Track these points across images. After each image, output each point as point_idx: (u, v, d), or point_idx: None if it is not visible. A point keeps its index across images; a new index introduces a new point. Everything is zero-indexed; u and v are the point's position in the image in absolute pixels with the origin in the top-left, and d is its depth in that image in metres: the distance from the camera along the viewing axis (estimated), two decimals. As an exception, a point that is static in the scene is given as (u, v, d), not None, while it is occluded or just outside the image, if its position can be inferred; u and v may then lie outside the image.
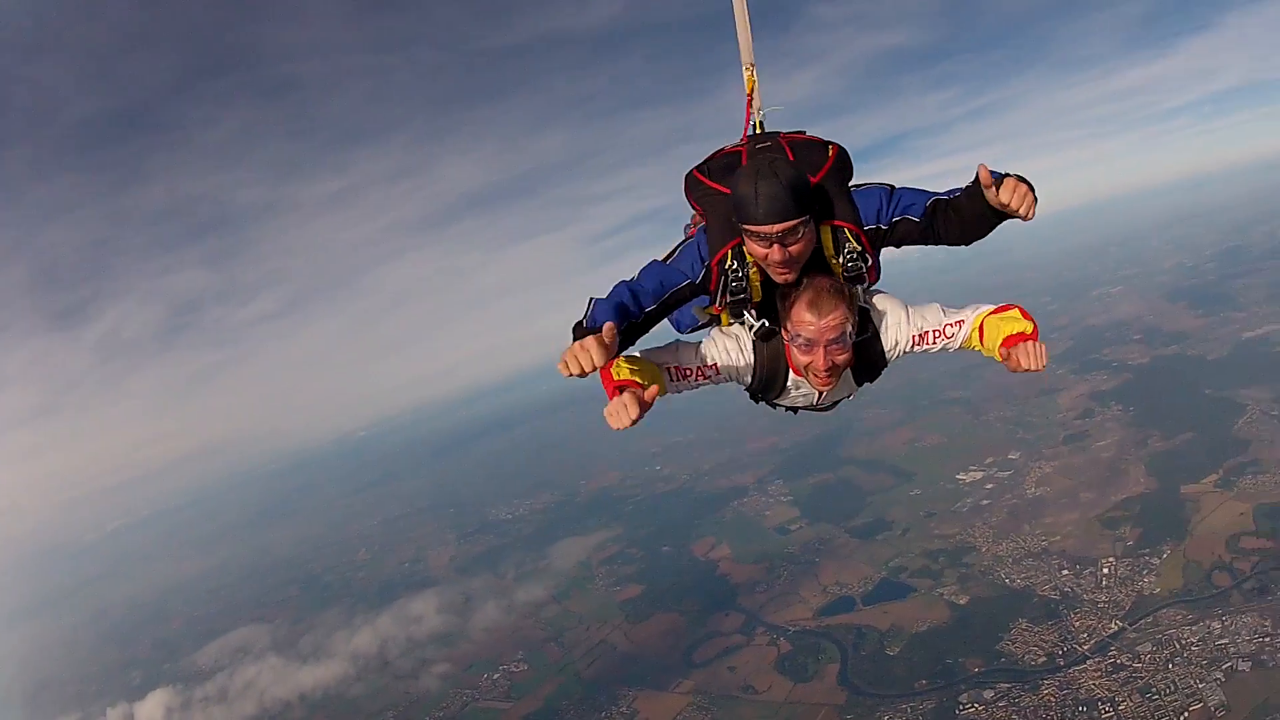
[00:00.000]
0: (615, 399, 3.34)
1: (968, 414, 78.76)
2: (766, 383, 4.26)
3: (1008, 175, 3.42)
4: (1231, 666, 38.01)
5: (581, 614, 53.64)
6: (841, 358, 3.86)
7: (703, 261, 3.91)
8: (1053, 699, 38.27)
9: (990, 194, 3.42)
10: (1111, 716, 36.88)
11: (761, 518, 64.80)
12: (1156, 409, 67.06)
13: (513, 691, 47.78)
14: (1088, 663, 40.06)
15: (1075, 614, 43.88)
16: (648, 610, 52.71)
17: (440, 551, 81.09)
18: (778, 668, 44.08)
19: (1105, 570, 47.39)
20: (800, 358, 3.90)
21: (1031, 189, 3.42)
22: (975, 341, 4.02)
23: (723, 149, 4.22)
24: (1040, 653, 41.44)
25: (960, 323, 4.06)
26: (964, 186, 3.72)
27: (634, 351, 3.97)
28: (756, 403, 4.70)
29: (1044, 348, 3.63)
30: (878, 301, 4.18)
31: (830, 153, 3.98)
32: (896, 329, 4.14)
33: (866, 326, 4.08)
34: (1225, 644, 39.54)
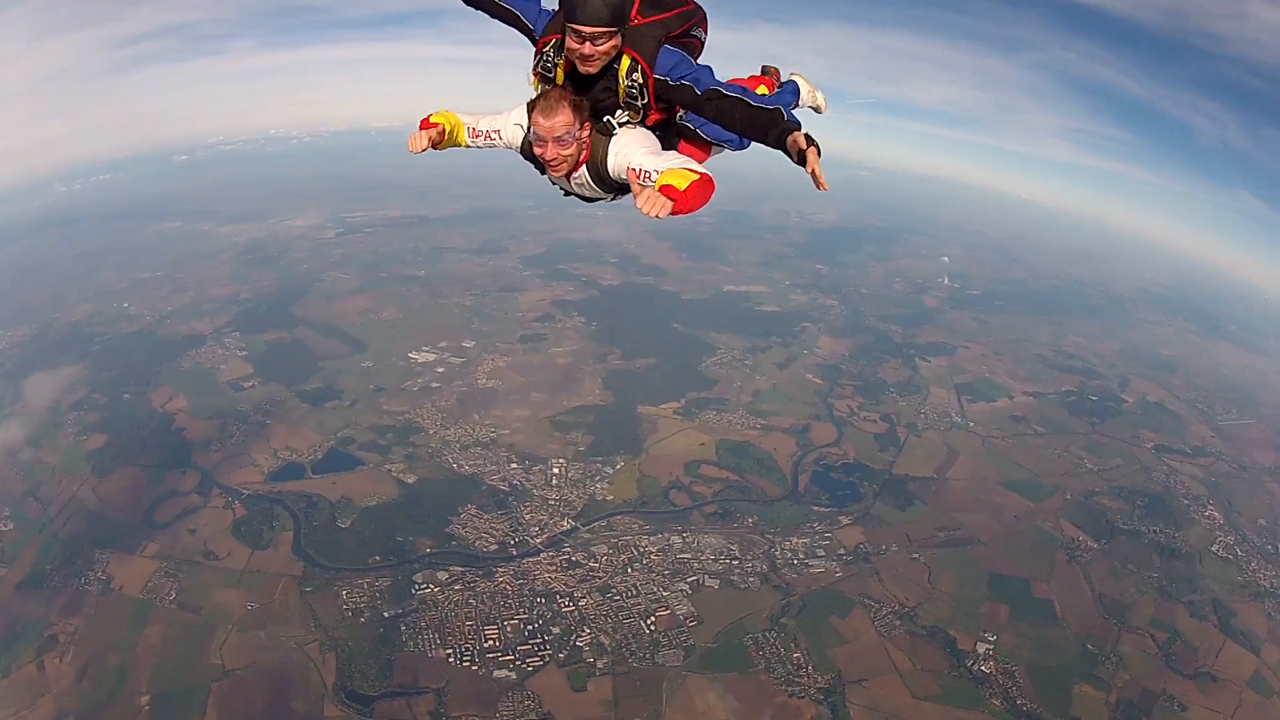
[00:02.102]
0: (417, 131, 5.34)
1: (426, 294, 79.04)
2: (530, 159, 5.49)
3: (812, 147, 4.54)
4: (698, 581, 40.52)
5: (54, 465, 49.54)
6: (566, 151, 5.10)
7: (537, 28, 5.40)
8: (509, 587, 39.37)
9: (796, 157, 4.60)
10: (573, 610, 38.22)
11: (217, 371, 61.72)
12: (620, 330, 71.17)
13: (4, 554, 42.82)
14: (541, 555, 41.72)
15: (526, 507, 45.37)
16: (111, 463, 49.86)
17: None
18: (234, 532, 43.40)
19: (556, 470, 48.84)
20: (536, 148, 5.15)
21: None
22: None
23: None
24: (492, 540, 42.64)
25: (649, 175, 4.78)
26: (755, 101, 4.87)
27: (453, 111, 5.63)
28: (543, 174, 5.67)
29: (668, 204, 4.28)
30: (626, 134, 5.19)
31: (679, 9, 5.31)
32: (616, 157, 5.14)
33: (601, 146, 5.21)
34: (688, 559, 42.07)
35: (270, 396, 57.62)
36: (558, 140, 5.05)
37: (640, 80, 5.00)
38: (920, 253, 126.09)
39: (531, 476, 48.25)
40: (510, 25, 5.62)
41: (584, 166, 5.33)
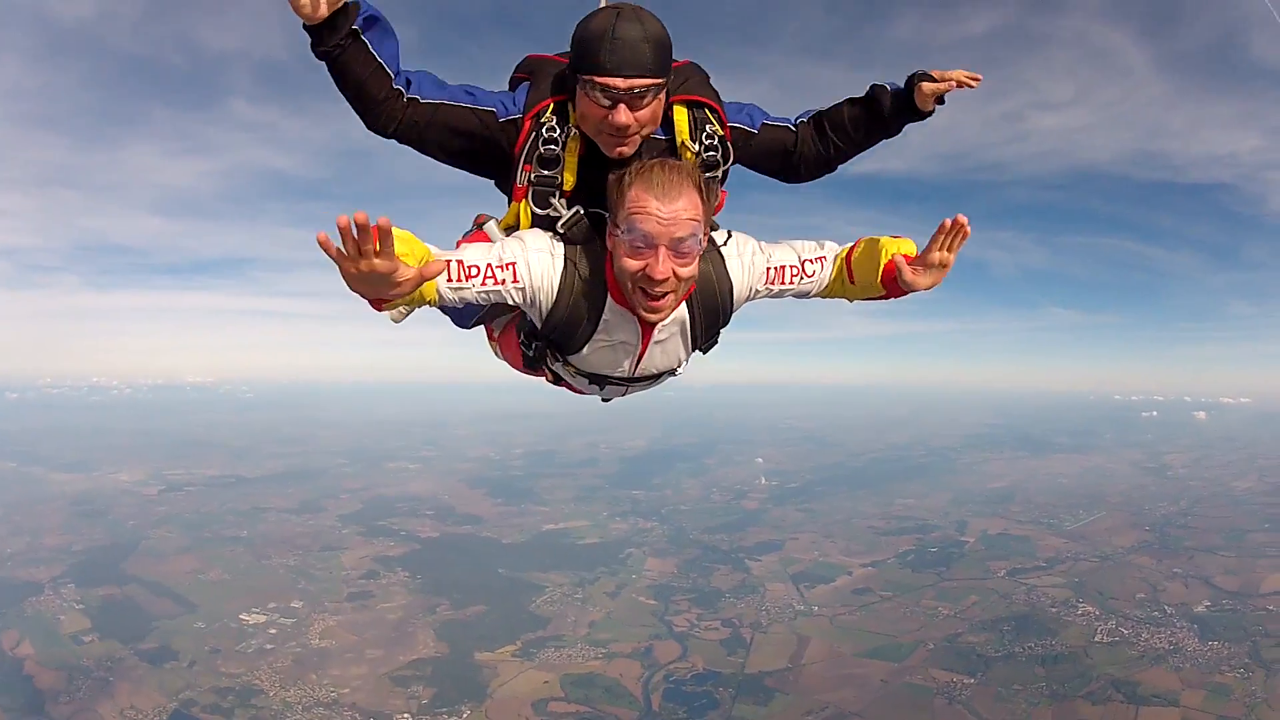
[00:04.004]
0: (357, 212, 2.27)
1: (250, 554, 77.96)
2: (571, 315, 3.20)
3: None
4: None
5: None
6: (686, 270, 2.98)
7: (506, 110, 3.18)
8: None
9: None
10: None
11: (57, 622, 59.17)
12: (446, 580, 70.53)
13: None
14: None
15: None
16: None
17: None
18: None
19: (402, 726, 48.67)
20: (629, 263, 2.93)
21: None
22: (841, 282, 3.52)
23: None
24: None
25: (821, 260, 3.47)
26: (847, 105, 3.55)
27: (405, 229, 2.73)
28: (541, 366, 3.65)
29: (940, 271, 3.18)
30: (736, 236, 3.42)
31: None
32: (751, 258, 3.39)
33: (710, 253, 3.27)
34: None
35: (110, 653, 55.27)
36: (678, 247, 2.92)
37: (721, 131, 3.32)
38: (734, 460, 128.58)
39: (379, 735, 48.14)
40: (453, 140, 3.19)
41: (683, 303, 3.31)
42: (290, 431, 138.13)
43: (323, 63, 2.84)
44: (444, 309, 3.38)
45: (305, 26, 2.68)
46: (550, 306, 3.21)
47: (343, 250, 2.34)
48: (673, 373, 3.75)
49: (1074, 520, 75.01)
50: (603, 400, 4.03)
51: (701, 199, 2.99)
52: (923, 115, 3.50)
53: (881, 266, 3.35)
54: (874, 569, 69.83)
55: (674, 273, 2.97)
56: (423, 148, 3.21)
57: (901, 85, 3.48)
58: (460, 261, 3.02)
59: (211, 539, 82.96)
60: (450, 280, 3.01)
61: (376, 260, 2.37)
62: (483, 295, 3.10)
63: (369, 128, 3.09)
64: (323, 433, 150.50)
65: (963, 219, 3.07)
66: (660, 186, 2.91)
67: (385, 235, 2.32)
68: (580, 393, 3.93)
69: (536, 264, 3.14)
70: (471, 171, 3.47)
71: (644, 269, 2.95)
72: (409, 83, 3.06)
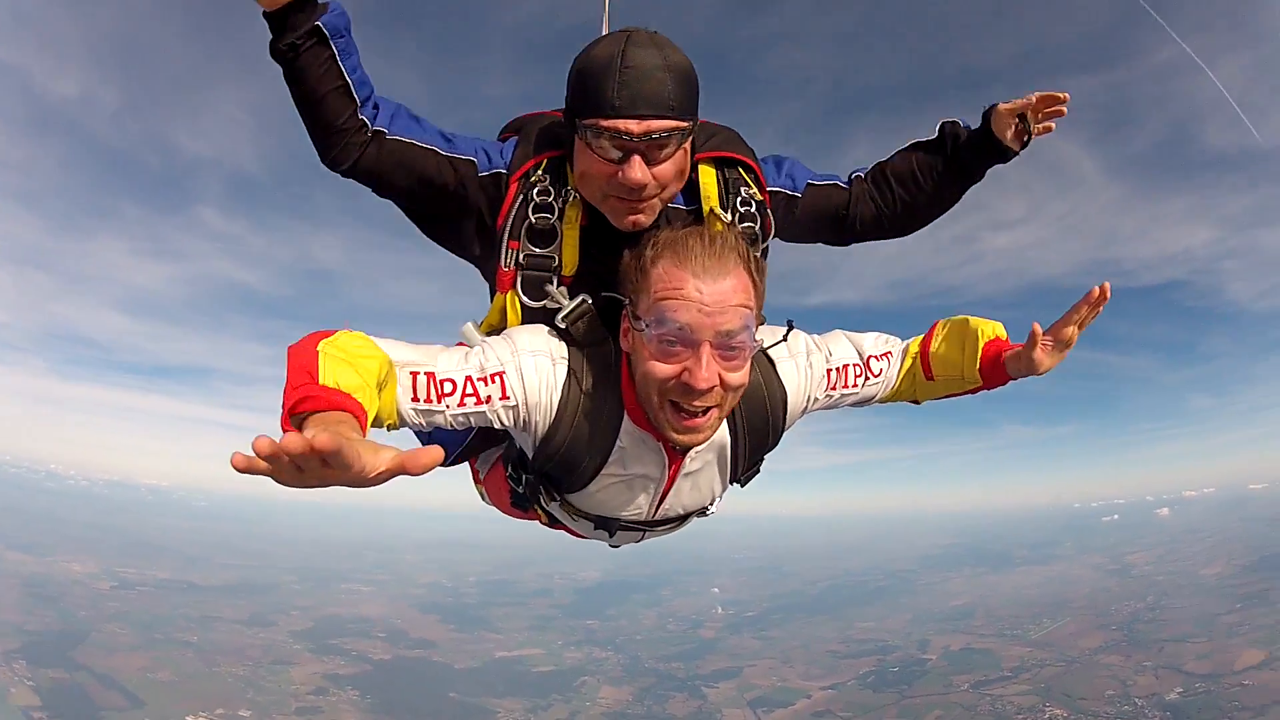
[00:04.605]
0: (289, 436, 1.34)
1: (200, 660, 77.12)
2: (574, 441, 2.46)
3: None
4: None
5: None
6: (736, 377, 2.24)
7: (490, 162, 2.56)
8: None
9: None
10: None
11: (8, 693, 59.30)
12: (398, 703, 70.70)
13: None
14: None
15: None
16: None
17: None
18: None
19: None
20: (658, 368, 2.20)
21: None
22: (913, 380, 2.90)
23: None
24: None
25: (888, 355, 2.86)
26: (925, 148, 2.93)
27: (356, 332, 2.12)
28: (534, 504, 2.95)
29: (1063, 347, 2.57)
30: (794, 335, 2.70)
31: None
32: (808, 358, 2.71)
33: (759, 360, 2.58)
34: None
35: (59, 736, 54.86)
36: (727, 344, 2.19)
37: (759, 196, 2.67)
38: (690, 590, 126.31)
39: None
40: (421, 191, 2.58)
41: (725, 422, 2.55)
42: (242, 544, 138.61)
43: (280, 66, 2.31)
44: (416, 432, 2.58)
45: (264, 15, 2.24)
46: (547, 430, 2.42)
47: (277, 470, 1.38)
48: (703, 512, 2.96)
49: (1038, 629, 73.24)
50: (611, 546, 3.26)
51: (752, 279, 2.24)
52: (1003, 149, 2.80)
53: (980, 352, 2.71)
54: (834, 691, 68.31)
55: (721, 380, 2.18)
56: (384, 192, 2.59)
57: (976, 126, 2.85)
58: (430, 374, 2.26)
59: (162, 640, 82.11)
60: (417, 399, 2.25)
61: (328, 473, 1.43)
62: (459, 419, 2.34)
63: (324, 159, 2.46)
64: (274, 549, 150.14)
65: (1108, 286, 2.41)
66: (700, 262, 2.15)
67: (335, 454, 1.35)
68: (582, 537, 3.11)
69: (531, 372, 2.36)
70: (446, 243, 2.82)
71: (679, 376, 2.16)
72: (377, 111, 2.47)
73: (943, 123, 2.91)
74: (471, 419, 2.39)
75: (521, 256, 2.51)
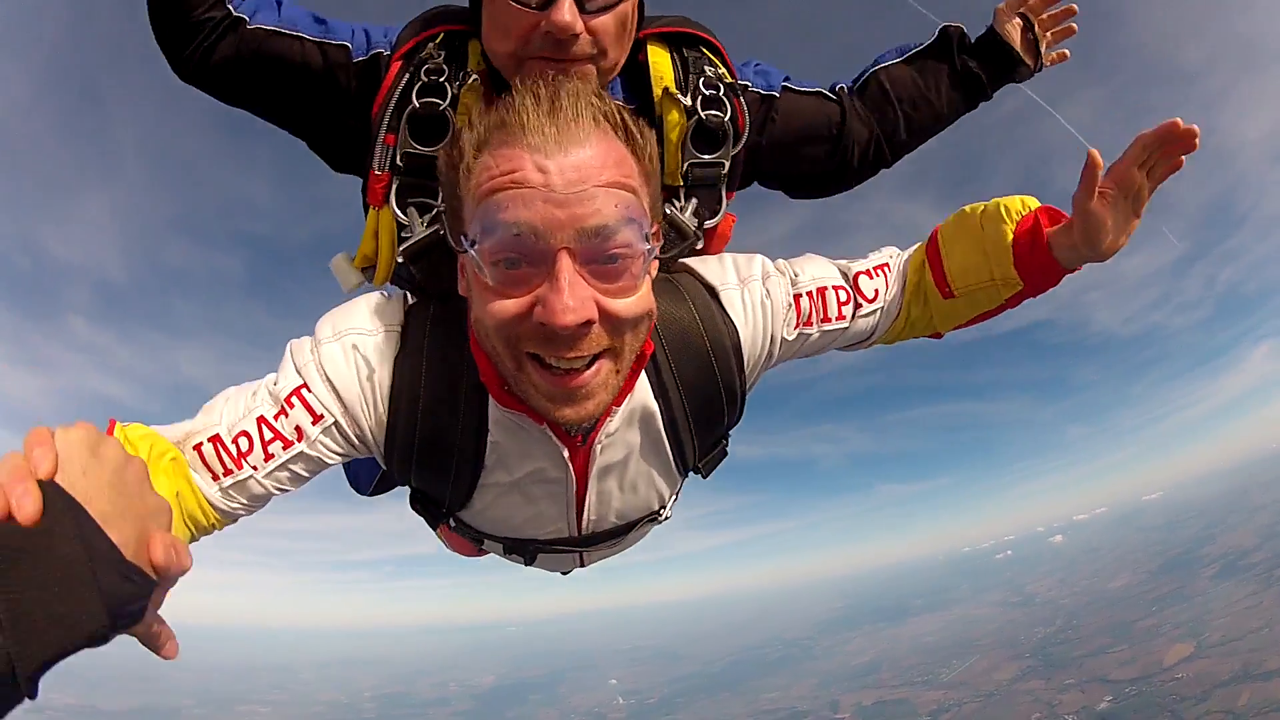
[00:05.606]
0: None
1: None
2: (421, 440, 1.74)
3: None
4: None
5: None
6: (623, 303, 1.43)
7: (370, 45, 1.97)
8: None
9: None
10: None
11: None
12: None
13: None
14: None
15: None
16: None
17: None
18: None
19: None
20: (499, 306, 1.42)
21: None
22: (922, 300, 2.09)
23: None
24: None
25: (883, 270, 2.07)
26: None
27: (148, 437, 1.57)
28: (438, 517, 2.10)
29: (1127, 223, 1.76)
30: (699, 263, 1.96)
31: None
32: (764, 285, 1.91)
33: (688, 284, 1.88)
34: None
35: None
36: (597, 250, 1.35)
37: (730, 78, 2.03)
38: (587, 685, 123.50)
39: None
40: (286, 87, 1.97)
41: (647, 383, 1.80)
42: (137, 668, 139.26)
43: None
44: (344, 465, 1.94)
45: None
46: (386, 433, 1.72)
47: None
48: (654, 518, 2.17)
49: (948, 671, 70.08)
50: (562, 574, 2.55)
51: (632, 149, 1.45)
52: (1015, 56, 2.33)
53: (1011, 241, 1.87)
54: (742, 765, 69.03)
55: (600, 309, 1.39)
56: (242, 99, 2.02)
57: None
58: (215, 437, 1.61)
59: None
60: (218, 478, 1.61)
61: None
62: (279, 481, 1.68)
63: (173, 62, 1.94)
64: (172, 671, 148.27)
65: (1196, 128, 1.58)
66: (539, 128, 1.35)
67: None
68: (543, 568, 2.32)
69: (340, 363, 1.67)
70: (322, 154, 2.15)
71: (530, 311, 1.38)
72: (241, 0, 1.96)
73: (943, 26, 2.36)
74: (302, 469, 1.69)
75: (400, 155, 1.83)
